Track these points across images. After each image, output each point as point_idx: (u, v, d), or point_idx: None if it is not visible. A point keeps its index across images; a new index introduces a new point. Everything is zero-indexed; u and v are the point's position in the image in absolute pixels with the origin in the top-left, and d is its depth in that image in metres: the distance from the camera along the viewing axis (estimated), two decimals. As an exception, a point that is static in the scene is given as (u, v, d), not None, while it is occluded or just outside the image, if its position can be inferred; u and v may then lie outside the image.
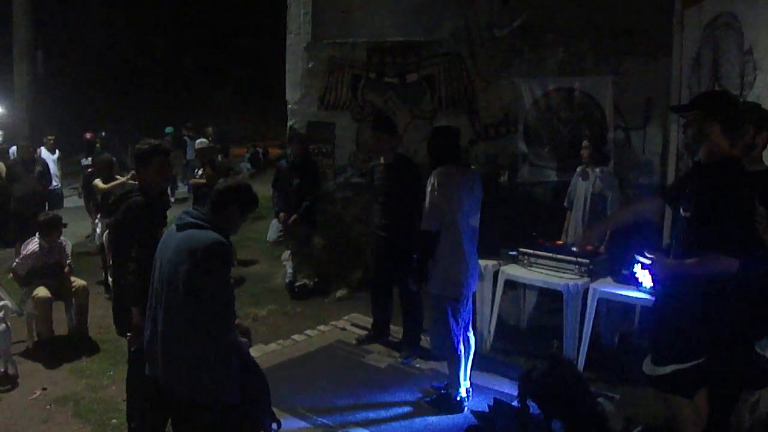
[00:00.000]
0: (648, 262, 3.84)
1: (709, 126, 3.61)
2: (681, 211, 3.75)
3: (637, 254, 5.64)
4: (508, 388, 5.36)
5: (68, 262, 6.85)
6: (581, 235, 6.00)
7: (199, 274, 3.28)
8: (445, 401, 5.14)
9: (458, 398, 5.10)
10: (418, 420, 4.99)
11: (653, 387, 3.95)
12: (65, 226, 7.00)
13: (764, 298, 3.54)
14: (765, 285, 3.51)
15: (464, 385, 5.15)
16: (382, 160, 6.37)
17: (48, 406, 5.37)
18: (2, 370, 5.87)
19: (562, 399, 3.31)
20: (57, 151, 12.99)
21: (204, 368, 3.37)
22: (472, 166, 5.35)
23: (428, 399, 5.25)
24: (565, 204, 6.84)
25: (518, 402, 3.62)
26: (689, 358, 3.58)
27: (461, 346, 5.05)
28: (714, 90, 3.94)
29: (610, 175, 6.60)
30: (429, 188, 4.93)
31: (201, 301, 3.30)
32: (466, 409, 5.10)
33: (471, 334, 5.26)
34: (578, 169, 6.73)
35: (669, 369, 3.65)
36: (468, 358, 5.20)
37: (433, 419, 5.00)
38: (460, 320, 5.03)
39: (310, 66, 8.68)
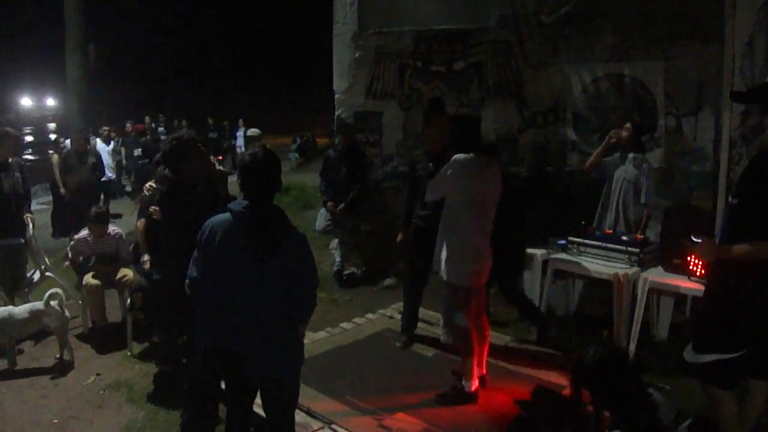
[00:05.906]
0: (695, 244, 3.77)
1: None
2: (729, 197, 3.70)
3: (685, 237, 5.56)
4: (556, 377, 5.35)
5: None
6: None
7: (296, 263, 3.50)
8: (457, 394, 5.07)
9: (470, 390, 5.03)
10: (463, 408, 4.97)
11: (693, 376, 3.90)
12: (120, 216, 7.09)
13: None
14: None
15: (476, 375, 5.09)
16: (425, 150, 6.35)
17: (102, 392, 5.54)
18: (59, 356, 6.06)
19: (614, 388, 3.28)
20: (112, 143, 13.25)
21: (292, 350, 3.65)
22: (492, 159, 5.01)
23: (438, 394, 5.12)
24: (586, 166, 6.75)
25: (571, 390, 3.59)
26: (731, 349, 3.51)
27: (473, 336, 5.00)
28: None
29: (643, 162, 6.44)
30: (443, 170, 4.88)
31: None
32: (478, 399, 5.03)
33: (486, 325, 5.22)
34: (618, 154, 6.59)
35: (709, 358, 3.59)
36: (482, 347, 5.17)
37: (479, 407, 4.98)
38: (471, 309, 4.97)
39: (357, 55, 8.71)
